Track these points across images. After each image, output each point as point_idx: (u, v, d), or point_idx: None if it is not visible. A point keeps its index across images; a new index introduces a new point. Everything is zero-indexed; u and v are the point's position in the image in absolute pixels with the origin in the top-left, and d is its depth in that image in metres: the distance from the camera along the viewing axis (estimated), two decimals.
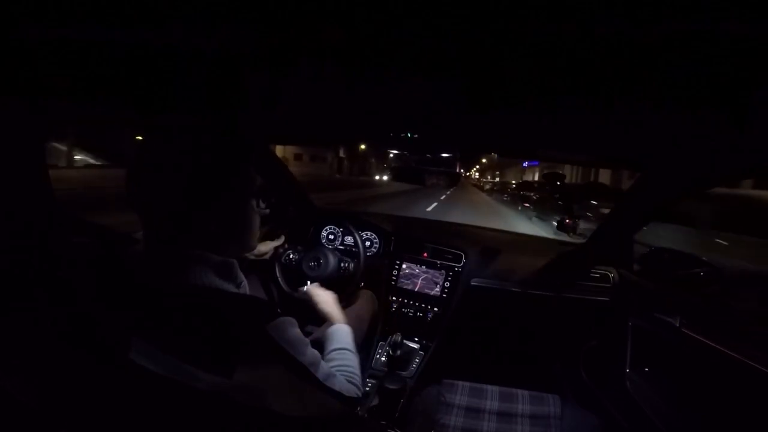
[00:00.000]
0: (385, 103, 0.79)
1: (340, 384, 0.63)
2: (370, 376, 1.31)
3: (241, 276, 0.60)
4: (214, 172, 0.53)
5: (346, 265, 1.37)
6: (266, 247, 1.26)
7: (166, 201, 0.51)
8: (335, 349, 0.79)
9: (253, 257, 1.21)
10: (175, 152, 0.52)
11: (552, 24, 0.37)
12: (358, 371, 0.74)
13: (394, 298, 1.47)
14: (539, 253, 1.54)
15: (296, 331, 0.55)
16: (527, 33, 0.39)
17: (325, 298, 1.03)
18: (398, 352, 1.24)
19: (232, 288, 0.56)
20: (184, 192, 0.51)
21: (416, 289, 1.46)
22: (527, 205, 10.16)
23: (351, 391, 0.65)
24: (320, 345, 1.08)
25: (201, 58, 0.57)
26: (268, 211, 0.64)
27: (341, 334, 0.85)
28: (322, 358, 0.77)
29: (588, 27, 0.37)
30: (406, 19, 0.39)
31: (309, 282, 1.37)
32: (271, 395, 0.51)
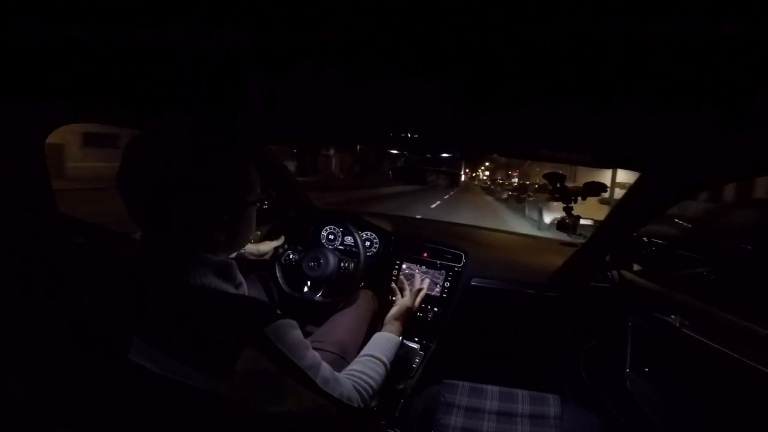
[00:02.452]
0: (385, 103, 0.79)
1: (343, 390, 0.60)
2: None
3: (240, 277, 0.60)
4: (213, 173, 0.53)
5: (346, 265, 1.37)
6: (266, 247, 1.26)
7: (164, 202, 0.51)
8: (367, 355, 0.76)
9: (253, 257, 1.21)
10: (175, 153, 0.51)
11: (552, 24, 0.37)
12: (375, 383, 0.69)
13: (394, 298, 1.47)
14: (539, 253, 1.54)
15: (296, 334, 0.54)
16: (527, 33, 0.39)
17: (406, 302, 1.02)
18: (398, 352, 1.23)
19: (231, 289, 0.56)
20: (182, 193, 0.51)
21: None
22: None
23: (353, 399, 0.62)
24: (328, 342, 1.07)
25: (201, 58, 0.57)
26: (266, 205, 0.64)
27: (384, 342, 0.83)
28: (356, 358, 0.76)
29: (588, 27, 0.37)
30: (405, 20, 0.39)
31: (309, 282, 1.37)
32: (269, 398, 0.51)
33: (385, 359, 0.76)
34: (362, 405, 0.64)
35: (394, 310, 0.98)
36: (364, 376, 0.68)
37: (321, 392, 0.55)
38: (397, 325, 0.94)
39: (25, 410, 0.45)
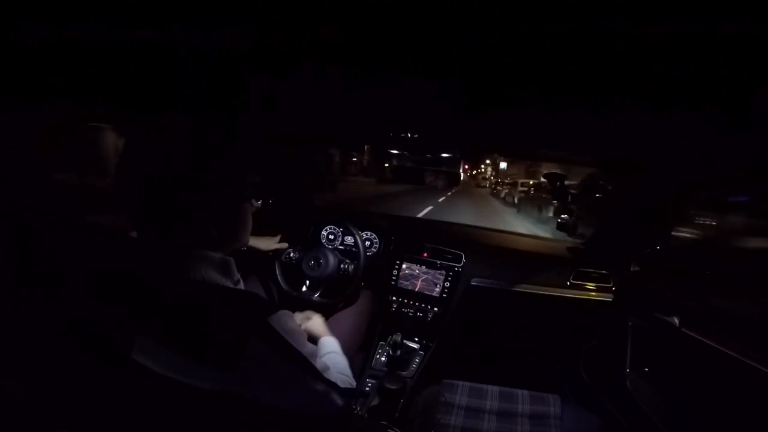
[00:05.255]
0: (385, 103, 0.79)
1: (335, 377, 0.67)
2: (370, 376, 1.31)
3: (237, 274, 0.60)
4: (213, 173, 0.53)
5: (346, 265, 1.37)
6: (270, 242, 1.28)
7: (164, 202, 0.51)
8: (326, 353, 0.86)
9: (254, 249, 1.23)
10: (175, 153, 0.52)
11: (552, 24, 0.37)
12: (347, 370, 0.80)
13: (394, 298, 1.47)
14: (539, 253, 1.54)
15: (295, 324, 0.56)
16: (527, 33, 0.39)
17: (315, 322, 1.04)
18: (398, 352, 1.23)
19: (230, 285, 0.57)
20: (182, 192, 0.51)
21: (416, 289, 1.46)
22: None
23: (345, 381, 0.72)
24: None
25: (201, 58, 0.57)
26: (260, 204, 0.65)
27: (330, 342, 0.93)
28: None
29: (588, 27, 0.37)
30: (405, 20, 0.39)
31: (308, 281, 1.37)
32: (274, 388, 0.51)
33: (340, 352, 0.88)
34: (353, 384, 0.74)
35: (314, 328, 1.01)
36: (338, 366, 0.79)
37: (322, 378, 0.58)
38: (324, 333, 0.99)
39: (25, 410, 0.45)
